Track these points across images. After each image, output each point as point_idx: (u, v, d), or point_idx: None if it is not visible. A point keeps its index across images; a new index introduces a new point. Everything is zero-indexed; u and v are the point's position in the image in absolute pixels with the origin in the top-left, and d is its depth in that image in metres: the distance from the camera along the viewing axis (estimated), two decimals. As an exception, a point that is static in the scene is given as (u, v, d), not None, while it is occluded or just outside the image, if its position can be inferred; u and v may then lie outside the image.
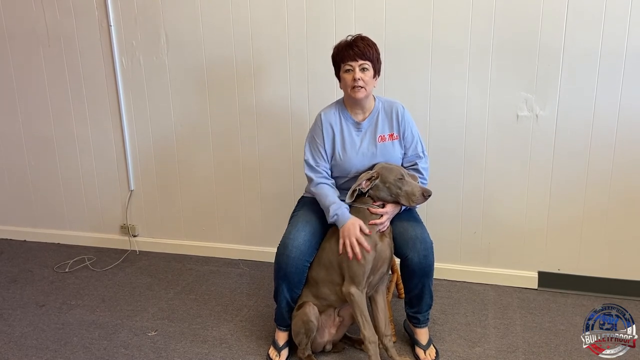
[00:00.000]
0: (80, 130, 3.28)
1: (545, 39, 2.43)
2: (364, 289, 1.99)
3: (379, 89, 2.54)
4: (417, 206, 2.06)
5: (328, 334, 2.14)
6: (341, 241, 1.99)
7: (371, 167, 2.10)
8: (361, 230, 1.98)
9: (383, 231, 2.03)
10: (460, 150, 2.65)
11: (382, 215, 2.02)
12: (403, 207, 2.09)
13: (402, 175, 2.01)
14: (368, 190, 2.04)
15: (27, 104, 3.35)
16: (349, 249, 1.96)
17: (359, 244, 1.95)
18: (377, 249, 1.99)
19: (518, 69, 2.50)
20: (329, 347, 2.17)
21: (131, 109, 3.15)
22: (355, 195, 2.04)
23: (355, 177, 2.11)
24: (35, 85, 3.29)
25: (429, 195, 2.00)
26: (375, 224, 2.01)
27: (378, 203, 2.04)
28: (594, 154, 2.50)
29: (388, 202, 2.05)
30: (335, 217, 2.02)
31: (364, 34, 2.11)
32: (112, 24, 3.02)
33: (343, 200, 2.09)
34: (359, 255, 1.95)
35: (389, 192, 2.02)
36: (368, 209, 2.03)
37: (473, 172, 2.67)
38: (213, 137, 3.05)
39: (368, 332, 1.99)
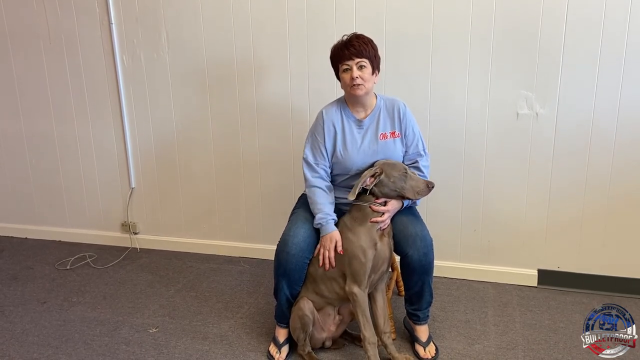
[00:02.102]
0: (81, 127, 3.29)
1: (545, 37, 2.43)
2: (365, 288, 2.00)
3: (379, 88, 2.54)
4: (419, 201, 2.07)
5: (327, 331, 2.14)
6: (321, 250, 2.05)
7: (372, 165, 2.10)
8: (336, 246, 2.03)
9: (383, 230, 2.04)
10: (460, 148, 2.66)
11: (383, 213, 2.03)
12: (405, 203, 2.10)
13: (405, 170, 2.03)
14: (372, 188, 2.04)
15: (28, 102, 3.35)
16: (320, 258, 2.04)
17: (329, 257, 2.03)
18: (376, 249, 2.00)
19: (518, 67, 2.50)
20: (328, 343, 2.18)
21: (132, 107, 3.15)
22: (357, 192, 2.04)
23: (356, 175, 2.11)
24: (36, 83, 3.29)
25: (433, 187, 2.03)
26: (377, 222, 2.01)
27: (380, 200, 2.05)
28: (594, 152, 2.50)
29: (392, 197, 2.05)
30: (319, 225, 2.07)
31: (359, 32, 2.10)
32: (113, 22, 3.02)
33: (341, 201, 2.10)
34: (326, 267, 2.03)
35: (394, 186, 2.02)
36: (370, 207, 2.03)
37: (473, 169, 2.67)
38: (214, 135, 3.05)
39: (368, 333, 2.00)
